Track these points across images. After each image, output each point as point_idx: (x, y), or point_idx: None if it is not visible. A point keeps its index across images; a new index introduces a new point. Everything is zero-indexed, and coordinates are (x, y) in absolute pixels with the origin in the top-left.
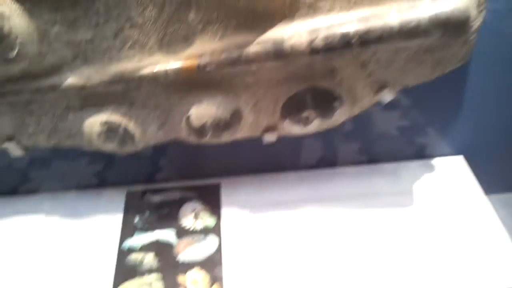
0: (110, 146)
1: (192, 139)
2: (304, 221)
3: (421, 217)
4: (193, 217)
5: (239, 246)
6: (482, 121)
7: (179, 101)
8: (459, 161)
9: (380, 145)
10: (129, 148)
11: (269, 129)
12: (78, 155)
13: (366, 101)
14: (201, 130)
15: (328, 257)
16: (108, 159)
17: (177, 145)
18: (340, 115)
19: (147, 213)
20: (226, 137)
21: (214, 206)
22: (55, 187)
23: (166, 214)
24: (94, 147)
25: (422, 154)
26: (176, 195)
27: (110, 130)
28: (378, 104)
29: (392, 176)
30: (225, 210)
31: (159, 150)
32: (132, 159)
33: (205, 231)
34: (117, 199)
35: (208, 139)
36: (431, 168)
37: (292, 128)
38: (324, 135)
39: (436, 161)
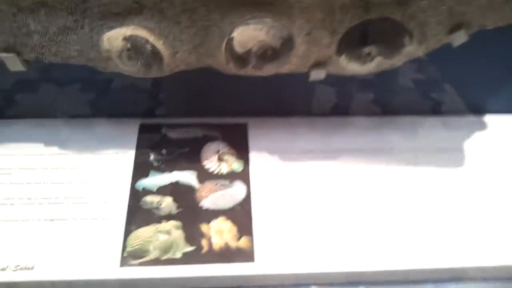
0: (132, 68)
1: (230, 67)
2: (339, 170)
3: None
4: (217, 159)
5: (269, 195)
6: None
7: (220, 20)
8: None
9: (426, 98)
10: (154, 72)
11: (319, 64)
12: (70, 81)
13: (435, 41)
14: (243, 58)
15: (364, 211)
16: (106, 87)
17: (190, 76)
18: (405, 55)
19: (164, 151)
20: (270, 69)
21: (240, 149)
22: (47, 114)
23: (186, 154)
24: (111, 68)
25: (471, 109)
26: (197, 132)
27: (134, 47)
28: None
29: (450, 130)
30: (253, 155)
31: (167, 80)
32: (133, 91)
33: (231, 176)
34: (128, 131)
35: (249, 69)
36: (480, 125)
37: (348, 65)
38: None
39: (487, 119)
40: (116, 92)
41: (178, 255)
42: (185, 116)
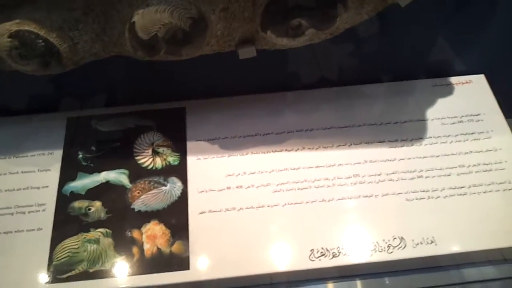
0: (28, 67)
1: (141, 55)
2: (291, 156)
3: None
4: (151, 153)
5: (208, 192)
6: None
7: (118, 2)
8: (480, 80)
9: (388, 63)
10: (55, 69)
11: (246, 41)
12: None
13: (377, 3)
14: (151, 45)
15: (314, 203)
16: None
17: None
18: (342, 23)
19: (92, 147)
20: (189, 53)
21: (177, 138)
22: None
23: (118, 149)
24: (9, 68)
25: (437, 72)
26: (129, 123)
27: (24, 44)
28: (394, 6)
29: (402, 97)
30: (191, 145)
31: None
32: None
33: (166, 172)
34: (54, 128)
35: (162, 55)
36: (447, 88)
37: (277, 40)
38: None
39: (454, 80)
40: (34, 84)
41: (107, 266)
42: (117, 105)
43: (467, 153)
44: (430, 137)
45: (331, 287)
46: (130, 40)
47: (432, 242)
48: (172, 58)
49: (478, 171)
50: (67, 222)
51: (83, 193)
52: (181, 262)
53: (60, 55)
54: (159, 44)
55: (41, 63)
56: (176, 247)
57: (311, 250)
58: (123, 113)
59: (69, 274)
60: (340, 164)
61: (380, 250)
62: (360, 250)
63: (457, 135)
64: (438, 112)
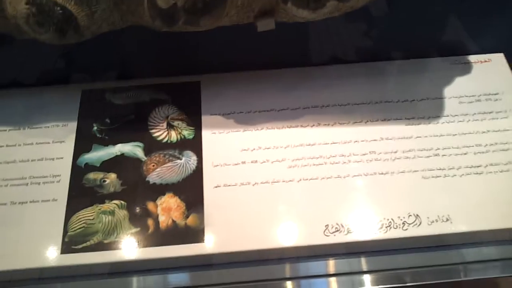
0: (45, 36)
1: (159, 25)
2: (307, 132)
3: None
4: (166, 127)
5: (223, 166)
6: None
7: None
8: (499, 59)
9: (405, 40)
10: (72, 38)
11: (266, 13)
12: None
13: None
14: (170, 14)
15: (328, 181)
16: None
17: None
18: None
19: (107, 119)
20: (207, 24)
21: (192, 112)
22: None
23: (132, 122)
24: (26, 36)
25: (455, 50)
26: (144, 96)
27: (41, 12)
28: None
29: (419, 74)
30: (206, 119)
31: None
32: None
33: (181, 145)
34: (69, 100)
35: (181, 25)
36: (466, 66)
37: (298, 12)
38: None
39: (473, 58)
40: (50, 56)
41: (122, 237)
42: (131, 78)
43: (484, 132)
44: (447, 116)
45: (344, 264)
46: (149, 9)
47: (447, 220)
48: (190, 29)
49: (495, 150)
50: (82, 193)
51: (97, 165)
52: (196, 235)
53: (77, 24)
54: (178, 14)
55: (59, 31)
56: (191, 219)
57: (325, 226)
58: (138, 86)
59: (84, 244)
60: (356, 141)
61: (395, 227)
62: (374, 227)
63: (475, 114)
64: (456, 91)
